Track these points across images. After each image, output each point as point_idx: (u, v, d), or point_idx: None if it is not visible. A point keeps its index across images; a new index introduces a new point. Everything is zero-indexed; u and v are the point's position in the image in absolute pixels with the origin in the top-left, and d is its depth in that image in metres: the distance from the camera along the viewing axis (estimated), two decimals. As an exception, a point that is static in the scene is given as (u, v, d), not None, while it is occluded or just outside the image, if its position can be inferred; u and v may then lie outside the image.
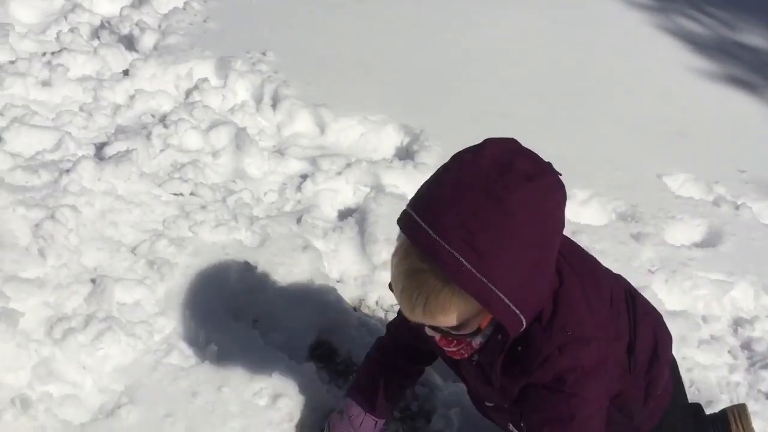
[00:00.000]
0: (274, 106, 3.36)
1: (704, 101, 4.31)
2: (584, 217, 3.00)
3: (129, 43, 3.70)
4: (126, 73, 3.40)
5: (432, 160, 3.07)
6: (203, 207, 2.52)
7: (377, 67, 3.83)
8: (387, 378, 1.81)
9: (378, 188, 2.90)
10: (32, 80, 3.12)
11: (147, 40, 3.67)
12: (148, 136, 2.88)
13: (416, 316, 1.26)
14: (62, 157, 2.64)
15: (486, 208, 1.15)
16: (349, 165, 2.99)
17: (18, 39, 3.53)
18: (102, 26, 3.87)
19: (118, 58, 3.50)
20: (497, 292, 1.17)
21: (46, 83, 3.16)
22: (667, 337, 1.66)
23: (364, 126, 3.34)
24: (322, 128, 3.32)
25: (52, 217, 2.15)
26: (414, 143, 3.26)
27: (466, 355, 1.43)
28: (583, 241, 2.64)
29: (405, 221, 1.23)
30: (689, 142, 3.74)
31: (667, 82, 4.45)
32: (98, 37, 3.83)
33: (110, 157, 2.56)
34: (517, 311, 1.21)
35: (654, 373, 1.59)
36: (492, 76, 4.02)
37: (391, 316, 2.43)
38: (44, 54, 3.48)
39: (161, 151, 2.86)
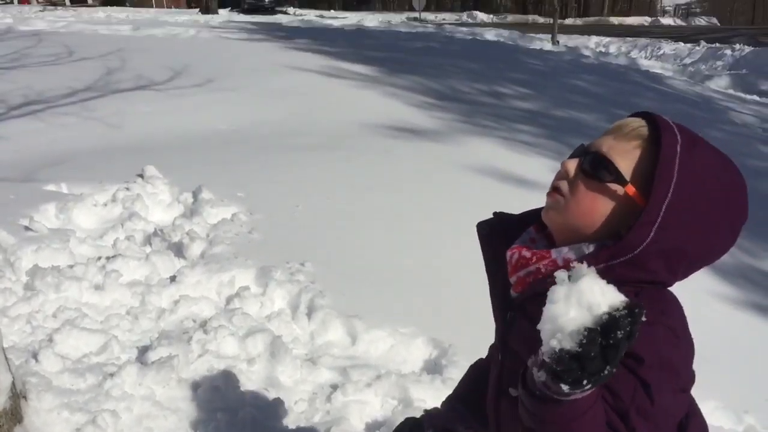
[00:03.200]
0: (309, 315, 3.51)
1: (729, 328, 4.36)
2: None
3: (178, 250, 3.98)
4: (173, 279, 3.63)
5: (459, 376, 3.12)
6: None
7: (409, 280, 4.01)
8: None
9: (406, 402, 2.95)
10: (87, 284, 3.36)
11: (195, 249, 3.94)
12: (189, 341, 3.02)
13: (609, 131, 1.26)
14: (107, 360, 2.78)
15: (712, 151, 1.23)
16: (378, 377, 3.06)
17: (77, 244, 3.83)
18: (155, 234, 4.18)
19: (167, 265, 3.75)
20: (670, 193, 1.16)
21: (98, 287, 3.38)
22: None
23: (394, 338, 3.45)
24: (353, 338, 3.44)
25: (93, 421, 2.24)
26: (442, 357, 3.34)
27: (525, 284, 1.31)
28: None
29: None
30: (715, 369, 3.75)
31: (690, 308, 4.53)
32: (150, 244, 4.13)
33: (152, 363, 2.69)
34: (654, 230, 1.16)
35: None
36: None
37: None
38: (99, 258, 3.75)
39: (199, 356, 2.98)
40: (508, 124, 8.10)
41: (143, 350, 2.94)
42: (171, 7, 44.44)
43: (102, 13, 21.98)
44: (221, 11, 33.26)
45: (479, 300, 4.06)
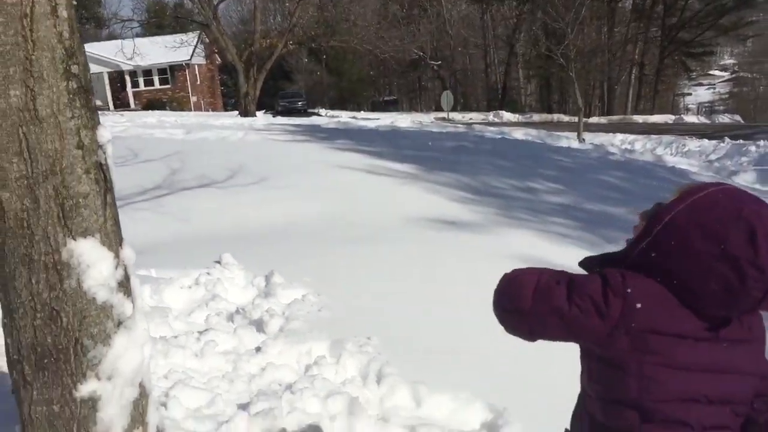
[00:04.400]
0: (378, 381, 3.98)
1: None
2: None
3: (259, 326, 4.51)
4: (258, 349, 4.14)
5: (514, 432, 3.56)
6: (327, 461, 3.04)
7: (464, 351, 4.47)
8: None
9: (469, 454, 3.37)
10: (189, 352, 3.88)
11: (274, 324, 4.47)
12: (279, 399, 3.50)
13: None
14: (215, 412, 3.27)
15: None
16: (444, 432, 3.50)
17: (173, 320, 4.38)
18: (237, 312, 4.73)
19: (251, 338, 4.28)
20: (670, 213, 1.61)
21: (198, 355, 3.91)
22: None
23: (455, 402, 3.89)
24: (418, 402, 3.89)
25: (220, 455, 2.71)
26: (498, 418, 3.77)
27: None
28: None
29: None
30: None
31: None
32: (232, 321, 4.67)
33: (257, 413, 3.17)
34: (645, 237, 1.63)
35: None
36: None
37: None
38: (193, 332, 4.29)
39: (288, 413, 3.45)
40: (542, 217, 8.66)
41: (244, 406, 3.43)
42: (209, 110, 46.76)
43: (153, 118, 23.44)
44: (258, 113, 35.04)
45: (528, 369, 4.49)
